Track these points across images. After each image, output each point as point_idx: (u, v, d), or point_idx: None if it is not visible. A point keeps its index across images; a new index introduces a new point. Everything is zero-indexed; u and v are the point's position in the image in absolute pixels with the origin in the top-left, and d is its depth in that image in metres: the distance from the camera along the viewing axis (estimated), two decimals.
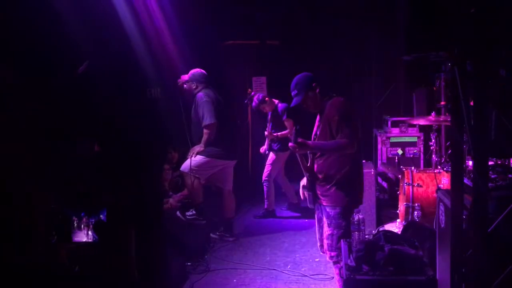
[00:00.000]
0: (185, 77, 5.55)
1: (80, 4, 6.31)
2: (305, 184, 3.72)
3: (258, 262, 5.02)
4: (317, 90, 3.66)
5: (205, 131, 5.32)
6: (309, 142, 3.56)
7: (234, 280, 4.61)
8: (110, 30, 7.16)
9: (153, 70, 7.77)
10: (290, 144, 3.52)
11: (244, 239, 5.77)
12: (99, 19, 6.94)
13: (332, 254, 3.66)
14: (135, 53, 7.61)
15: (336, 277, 3.81)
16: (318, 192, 3.68)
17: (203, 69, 5.63)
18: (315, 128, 3.77)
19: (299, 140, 3.48)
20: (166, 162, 6.61)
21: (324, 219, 3.69)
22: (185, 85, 5.53)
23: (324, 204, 3.66)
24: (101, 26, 6.92)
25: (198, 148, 5.36)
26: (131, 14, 7.20)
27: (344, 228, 3.59)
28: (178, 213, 5.40)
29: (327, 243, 3.66)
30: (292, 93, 3.72)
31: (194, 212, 5.41)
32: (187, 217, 5.40)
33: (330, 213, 3.62)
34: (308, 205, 3.79)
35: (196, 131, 5.45)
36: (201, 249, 5.27)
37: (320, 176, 3.65)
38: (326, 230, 3.66)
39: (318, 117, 3.75)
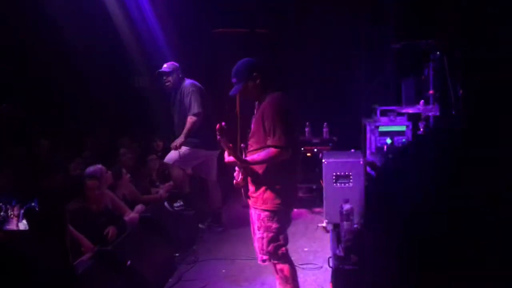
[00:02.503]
0: (167, 69, 5.37)
1: None
2: (239, 180, 3.40)
3: (247, 252, 4.99)
4: (258, 81, 3.34)
5: (189, 120, 5.23)
6: (242, 159, 3.28)
7: (223, 271, 4.59)
8: (97, 18, 7.06)
9: (140, 58, 7.68)
10: (226, 159, 3.28)
11: (233, 229, 5.75)
12: (86, 6, 6.83)
13: (264, 257, 3.39)
14: (122, 41, 7.51)
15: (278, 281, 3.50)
16: (248, 193, 3.42)
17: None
18: (252, 122, 3.48)
19: (231, 158, 3.23)
20: (151, 151, 6.55)
21: (255, 221, 3.42)
22: (170, 78, 5.36)
23: (253, 206, 3.40)
24: (88, 14, 6.81)
25: (179, 140, 5.28)
26: (119, 2, 7.11)
27: (275, 231, 3.32)
28: (166, 204, 5.35)
29: (257, 246, 3.41)
30: (232, 80, 3.43)
31: (181, 203, 5.37)
32: (175, 208, 5.35)
33: (260, 215, 3.34)
34: (244, 198, 3.51)
35: (180, 122, 5.37)
36: (189, 240, 5.25)
37: (251, 173, 3.36)
38: (256, 233, 3.40)
39: (256, 107, 3.48)
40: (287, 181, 3.33)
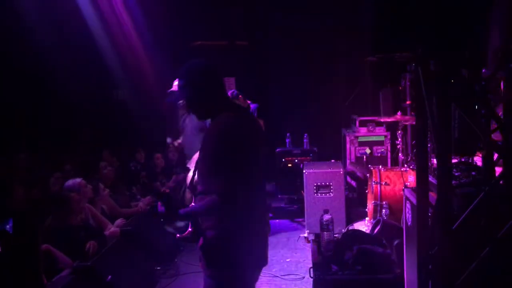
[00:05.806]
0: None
1: (45, 5, 6.18)
2: (185, 233, 2.53)
3: None
4: (211, 91, 2.41)
5: None
6: (181, 211, 2.37)
7: None
8: (75, 31, 7.04)
9: (120, 72, 7.68)
10: (159, 208, 2.49)
11: None
12: (64, 20, 6.81)
13: None
14: (102, 55, 7.50)
15: None
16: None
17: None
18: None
19: (168, 210, 2.36)
20: (133, 161, 6.52)
21: None
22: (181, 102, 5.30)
23: (200, 265, 2.52)
24: (66, 27, 6.77)
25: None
26: (97, 16, 7.12)
27: None
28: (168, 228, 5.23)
29: None
30: (179, 83, 2.46)
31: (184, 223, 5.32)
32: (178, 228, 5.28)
33: (205, 282, 2.48)
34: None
35: (191, 143, 5.35)
36: (171, 253, 5.21)
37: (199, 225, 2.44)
38: None
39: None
40: (245, 233, 2.35)
